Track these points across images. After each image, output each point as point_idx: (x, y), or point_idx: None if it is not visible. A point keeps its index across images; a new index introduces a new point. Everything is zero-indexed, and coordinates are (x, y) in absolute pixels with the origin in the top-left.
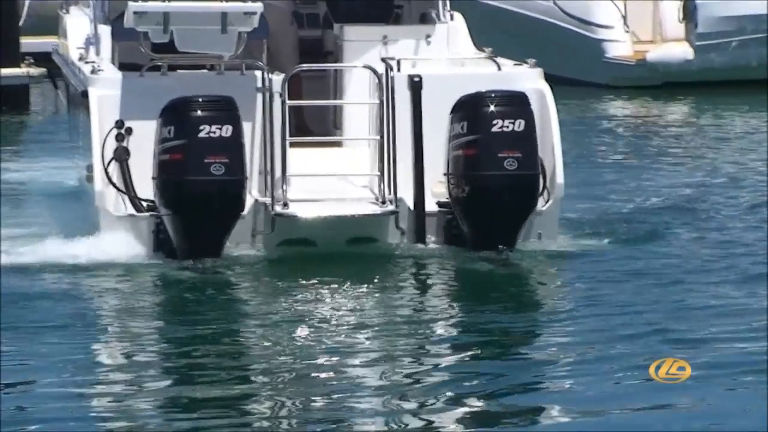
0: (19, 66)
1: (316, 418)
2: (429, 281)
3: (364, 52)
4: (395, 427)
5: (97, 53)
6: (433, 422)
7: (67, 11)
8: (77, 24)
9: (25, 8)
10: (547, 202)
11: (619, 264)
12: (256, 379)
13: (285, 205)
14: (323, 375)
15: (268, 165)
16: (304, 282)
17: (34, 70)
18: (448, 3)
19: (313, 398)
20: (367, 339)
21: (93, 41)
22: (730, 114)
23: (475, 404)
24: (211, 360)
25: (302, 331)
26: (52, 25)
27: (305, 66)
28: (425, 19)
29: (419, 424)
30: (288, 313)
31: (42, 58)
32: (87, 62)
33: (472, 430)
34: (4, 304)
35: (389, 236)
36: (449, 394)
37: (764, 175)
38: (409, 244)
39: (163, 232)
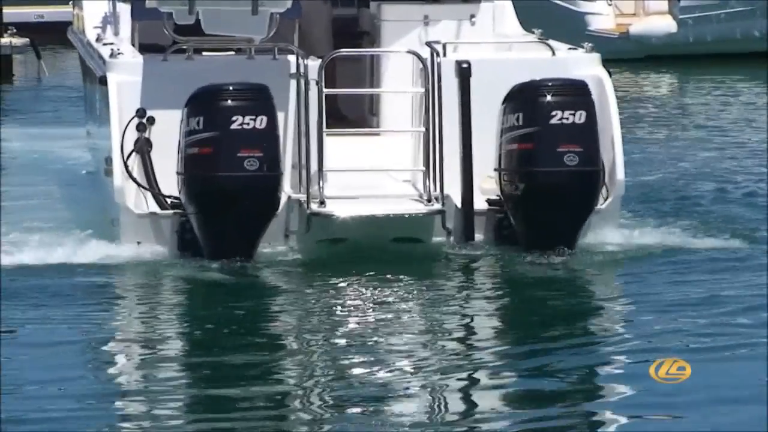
0: (1, 36)
1: (350, 420)
2: (478, 285)
3: (403, 33)
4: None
5: (116, 33)
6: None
7: None
8: (94, 2)
9: None
10: (606, 200)
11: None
12: (289, 384)
13: (322, 203)
14: (358, 382)
15: (302, 158)
16: (341, 286)
17: (17, 40)
18: None
19: (346, 402)
20: (406, 347)
21: (111, 20)
22: (712, 86)
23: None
24: (243, 372)
25: None
26: None
27: (344, 51)
28: None
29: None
30: (324, 321)
31: (24, 28)
32: (105, 44)
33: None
34: (23, 303)
35: (434, 236)
36: (482, 398)
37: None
38: (456, 245)
39: (189, 232)
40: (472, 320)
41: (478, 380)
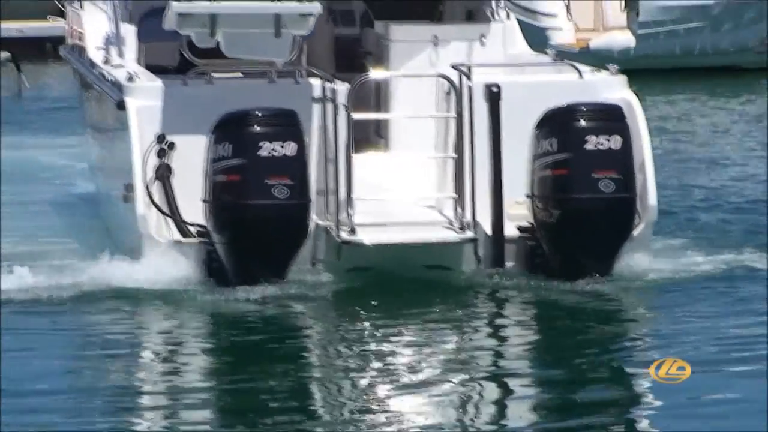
0: None
1: None
2: (511, 315)
3: (412, 54)
4: None
5: (121, 55)
6: None
7: (80, 6)
8: (95, 21)
9: None
10: (639, 226)
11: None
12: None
13: (352, 230)
14: (382, 410)
15: (329, 185)
16: (370, 314)
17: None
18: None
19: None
20: (433, 377)
21: (114, 41)
22: (672, 100)
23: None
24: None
25: None
26: (14, 12)
27: (372, 74)
28: (472, 16)
29: None
30: (352, 349)
31: (5, 42)
32: (115, 66)
33: None
34: (45, 328)
35: (464, 263)
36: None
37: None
38: (487, 272)
39: (216, 261)
40: (501, 347)
41: (498, 392)
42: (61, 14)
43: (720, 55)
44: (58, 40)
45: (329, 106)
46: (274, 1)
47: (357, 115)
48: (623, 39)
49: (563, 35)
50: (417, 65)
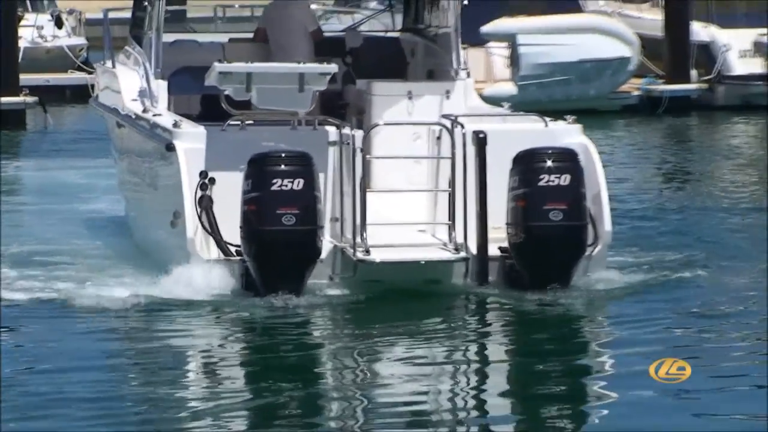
0: (18, 95)
1: None
2: (490, 319)
3: (391, 106)
4: None
5: (153, 104)
6: None
7: (113, 65)
8: (129, 78)
9: (21, 52)
10: (595, 248)
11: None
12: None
13: (366, 251)
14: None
15: (344, 212)
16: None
17: (29, 99)
18: (462, 61)
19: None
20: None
21: (147, 94)
22: None
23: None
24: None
25: None
26: (41, 66)
27: (381, 122)
28: (432, 75)
29: None
30: (361, 348)
31: (35, 89)
32: (155, 114)
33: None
34: (100, 340)
35: (454, 278)
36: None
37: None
38: (473, 286)
39: (250, 275)
40: (484, 346)
41: (483, 381)
42: (79, 69)
43: (582, 101)
44: (75, 89)
45: (344, 148)
46: (298, 63)
47: (371, 157)
48: (508, 88)
49: None
50: (395, 114)
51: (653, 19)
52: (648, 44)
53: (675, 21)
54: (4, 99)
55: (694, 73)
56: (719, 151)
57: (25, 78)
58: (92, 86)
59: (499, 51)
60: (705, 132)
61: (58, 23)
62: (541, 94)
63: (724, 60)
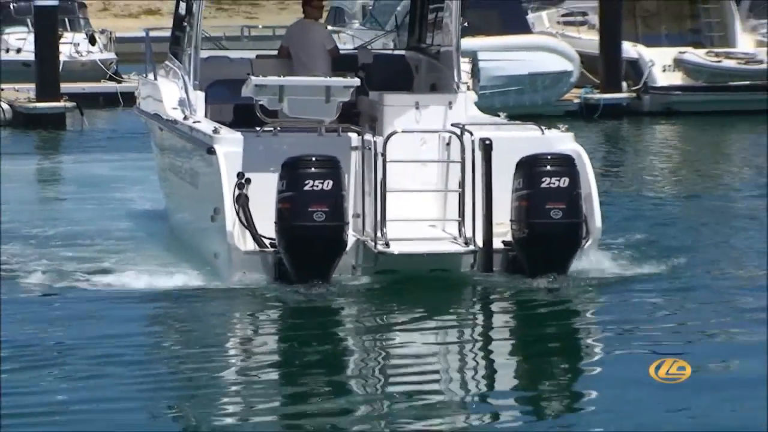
0: (59, 101)
1: None
2: (495, 303)
3: (400, 115)
4: None
5: (192, 112)
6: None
7: (155, 77)
8: (169, 89)
9: (61, 65)
10: (587, 241)
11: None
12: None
13: (387, 244)
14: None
15: (366, 210)
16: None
17: (69, 104)
18: (463, 75)
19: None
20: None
21: (187, 104)
22: None
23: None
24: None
25: None
26: (78, 76)
27: (399, 130)
28: (435, 87)
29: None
30: (378, 331)
31: (73, 96)
32: (195, 121)
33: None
34: (147, 324)
35: (462, 267)
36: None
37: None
38: (479, 274)
39: (283, 265)
40: (489, 330)
41: (489, 365)
42: (110, 79)
43: (532, 107)
44: (107, 96)
45: (366, 153)
46: (325, 77)
47: (391, 160)
48: (470, 96)
49: None
50: (404, 123)
51: (590, 39)
52: (586, 60)
53: (608, 41)
54: (47, 104)
55: (624, 84)
56: (647, 149)
57: (65, 86)
58: (121, 94)
59: (462, 66)
60: (634, 134)
61: (92, 41)
62: (498, 101)
63: (650, 73)
